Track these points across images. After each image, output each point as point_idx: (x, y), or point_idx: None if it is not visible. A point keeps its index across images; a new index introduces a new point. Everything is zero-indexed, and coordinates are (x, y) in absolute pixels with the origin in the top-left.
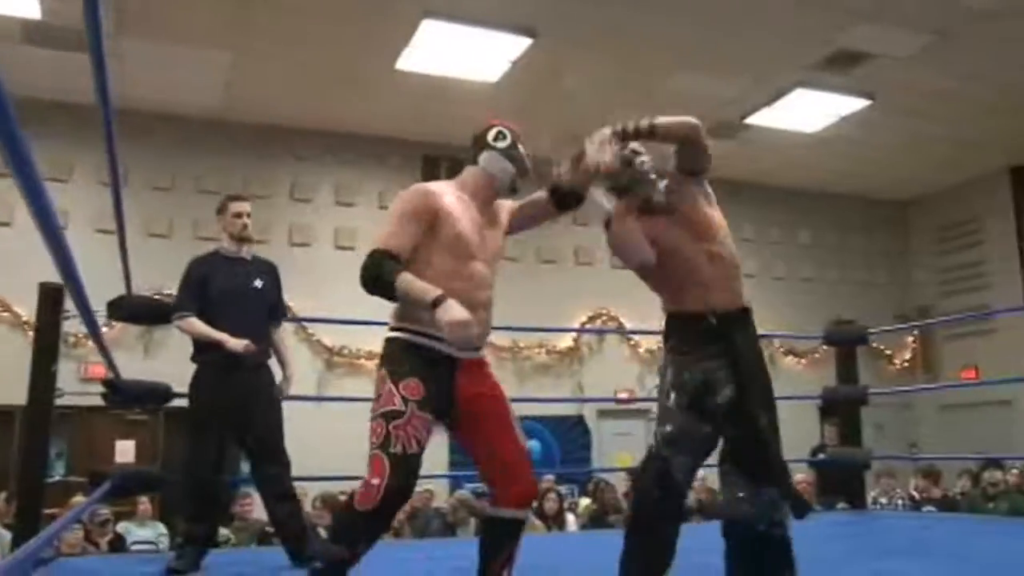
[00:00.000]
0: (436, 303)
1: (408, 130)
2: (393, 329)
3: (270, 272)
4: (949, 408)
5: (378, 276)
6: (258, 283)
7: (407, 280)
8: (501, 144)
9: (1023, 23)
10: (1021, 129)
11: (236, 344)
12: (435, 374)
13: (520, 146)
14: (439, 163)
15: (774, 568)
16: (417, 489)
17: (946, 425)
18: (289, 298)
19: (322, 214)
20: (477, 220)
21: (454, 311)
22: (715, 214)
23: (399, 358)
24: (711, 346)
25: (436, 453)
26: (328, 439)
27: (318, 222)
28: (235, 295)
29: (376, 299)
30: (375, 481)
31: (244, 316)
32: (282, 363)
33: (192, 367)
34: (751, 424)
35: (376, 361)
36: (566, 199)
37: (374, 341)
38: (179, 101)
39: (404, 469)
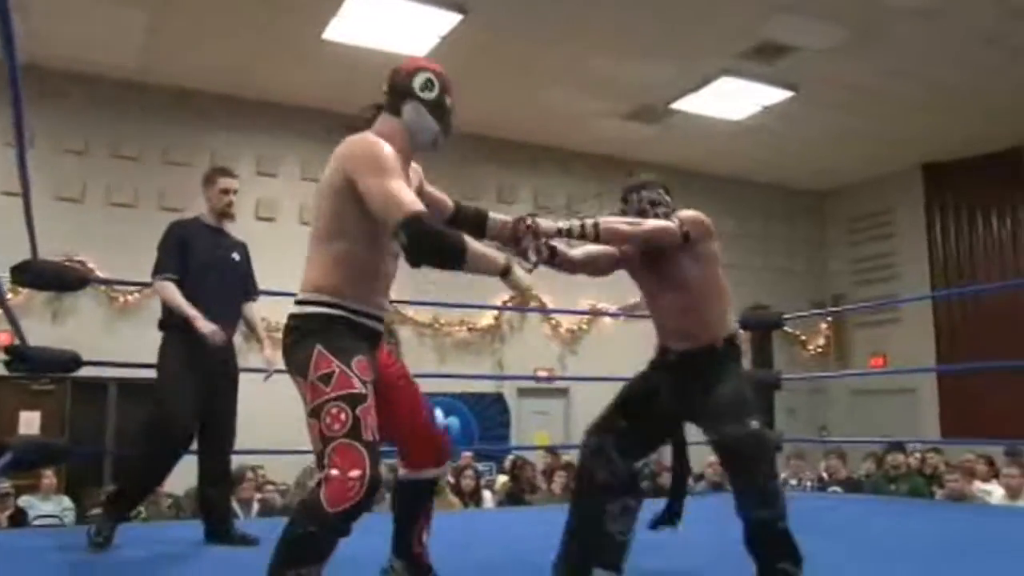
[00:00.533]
0: (507, 270)
1: (334, 101)
2: (322, 304)
3: (243, 249)
4: (858, 393)
5: (445, 245)
6: (236, 256)
7: (473, 243)
8: (428, 95)
9: (942, 22)
10: (935, 127)
11: (205, 327)
12: (370, 352)
13: (448, 97)
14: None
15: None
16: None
17: (855, 410)
18: None
19: (243, 184)
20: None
21: (520, 275)
22: (693, 269)
23: (339, 334)
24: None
25: None
26: (241, 416)
27: (239, 192)
28: (215, 266)
29: (297, 272)
30: (355, 473)
31: (223, 288)
32: (260, 341)
33: (153, 334)
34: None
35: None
36: (462, 227)
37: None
38: (93, 61)
39: (377, 460)
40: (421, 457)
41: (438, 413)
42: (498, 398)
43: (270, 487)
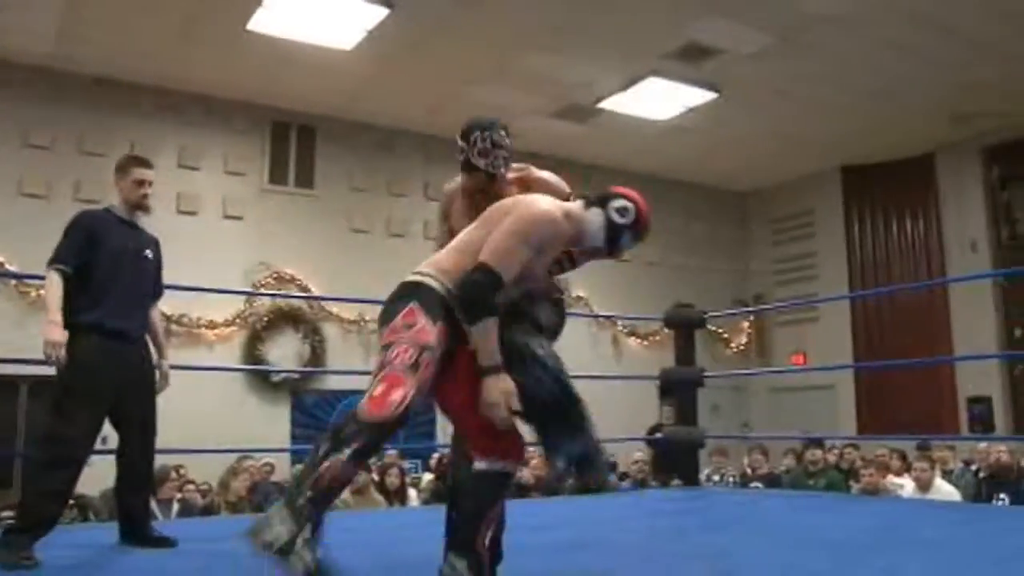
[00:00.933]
0: (490, 371)
1: (258, 94)
2: (437, 280)
3: (156, 245)
4: (779, 390)
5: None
6: (148, 253)
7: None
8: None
9: (857, 30)
10: (852, 131)
11: (49, 335)
12: (454, 336)
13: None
14: (289, 129)
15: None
16: (258, 463)
17: (776, 406)
18: None
19: (163, 176)
20: None
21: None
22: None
23: (436, 304)
24: None
25: (278, 427)
26: (162, 413)
27: (159, 185)
28: (127, 260)
29: (219, 268)
30: (396, 395)
31: (133, 283)
32: (158, 348)
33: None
34: None
35: (217, 329)
36: None
37: (215, 310)
38: (4, 45)
39: (410, 405)
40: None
41: None
42: None
43: (190, 487)
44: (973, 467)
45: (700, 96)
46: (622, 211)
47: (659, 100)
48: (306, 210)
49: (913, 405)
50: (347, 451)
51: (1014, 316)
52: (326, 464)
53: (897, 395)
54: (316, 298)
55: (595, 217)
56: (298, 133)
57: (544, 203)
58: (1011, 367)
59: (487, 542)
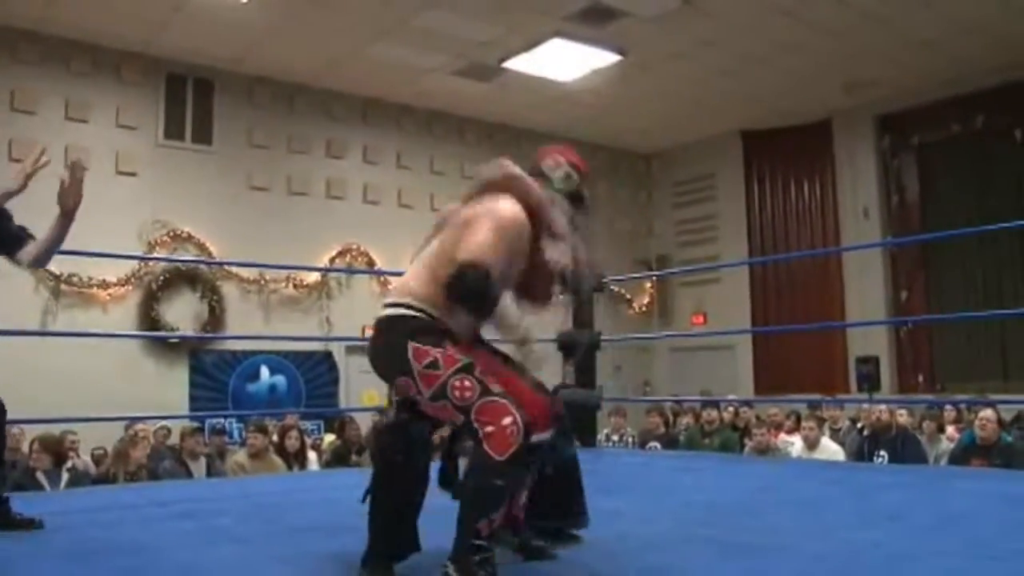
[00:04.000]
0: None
1: (151, 44)
2: (413, 308)
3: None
4: (680, 351)
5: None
6: None
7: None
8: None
9: None
10: (752, 96)
11: None
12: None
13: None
14: (184, 82)
15: None
16: (153, 426)
17: (677, 366)
18: None
19: (50, 129)
20: None
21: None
22: None
23: (430, 331)
24: None
25: (176, 388)
26: (52, 376)
27: (45, 138)
28: None
29: (113, 226)
30: (506, 420)
31: None
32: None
33: None
34: None
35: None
36: None
37: (108, 269)
38: None
39: (517, 404)
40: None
41: (264, 371)
42: (326, 356)
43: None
44: (859, 425)
45: (604, 58)
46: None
47: (563, 61)
48: (204, 167)
49: (807, 365)
50: (503, 501)
51: (901, 279)
52: (488, 522)
53: (792, 355)
54: (220, 263)
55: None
56: (195, 87)
57: (507, 203)
58: (897, 328)
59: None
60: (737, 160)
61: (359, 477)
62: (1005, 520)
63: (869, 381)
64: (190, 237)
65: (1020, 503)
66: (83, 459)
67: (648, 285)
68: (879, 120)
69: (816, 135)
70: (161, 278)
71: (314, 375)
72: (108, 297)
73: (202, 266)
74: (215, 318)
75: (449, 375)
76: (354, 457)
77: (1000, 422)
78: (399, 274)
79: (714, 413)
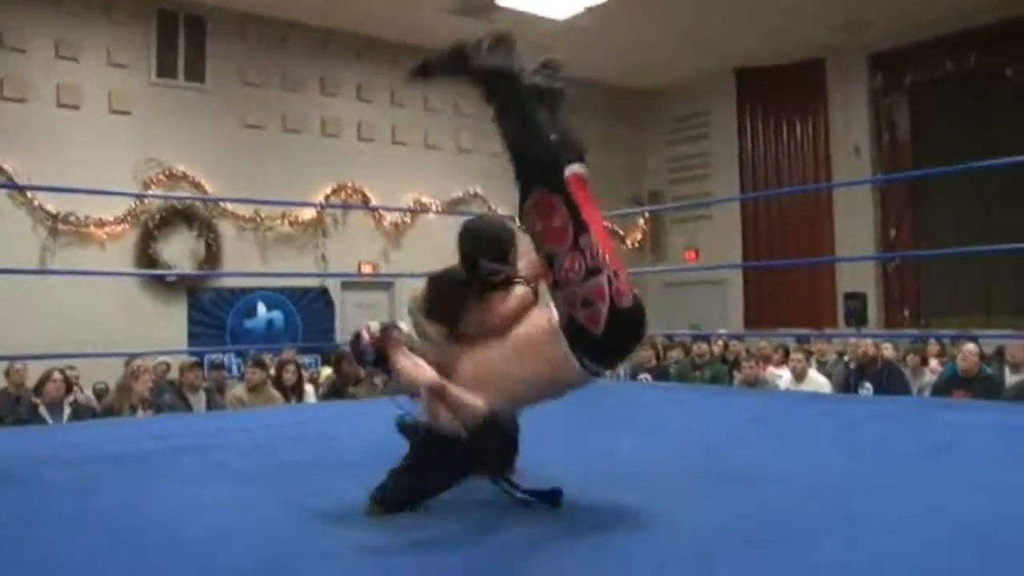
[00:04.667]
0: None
1: None
2: None
3: None
4: (673, 286)
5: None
6: None
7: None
8: None
9: None
10: (747, 33)
11: None
12: None
13: None
14: (176, 19)
15: None
16: (152, 361)
17: (669, 301)
18: (2, 158)
19: (41, 68)
20: None
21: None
22: None
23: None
24: None
25: (174, 326)
26: (51, 315)
27: (36, 76)
28: None
29: (107, 165)
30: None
31: None
32: None
33: None
34: None
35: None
36: None
37: (105, 208)
38: None
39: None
40: None
41: (261, 308)
42: (322, 292)
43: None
44: (845, 358)
45: None
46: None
47: None
48: (197, 105)
49: (796, 300)
50: None
51: (890, 217)
52: None
53: (782, 291)
54: (215, 200)
55: None
56: (186, 24)
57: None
58: (885, 265)
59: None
60: (730, 98)
61: (354, 408)
62: (987, 451)
63: (856, 316)
64: (185, 176)
65: (1000, 433)
66: (85, 394)
67: (641, 221)
68: (872, 58)
69: (809, 73)
70: (158, 216)
71: (311, 311)
72: (105, 236)
73: (198, 204)
74: (212, 256)
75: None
76: (350, 389)
77: (982, 355)
78: (395, 210)
79: (704, 346)
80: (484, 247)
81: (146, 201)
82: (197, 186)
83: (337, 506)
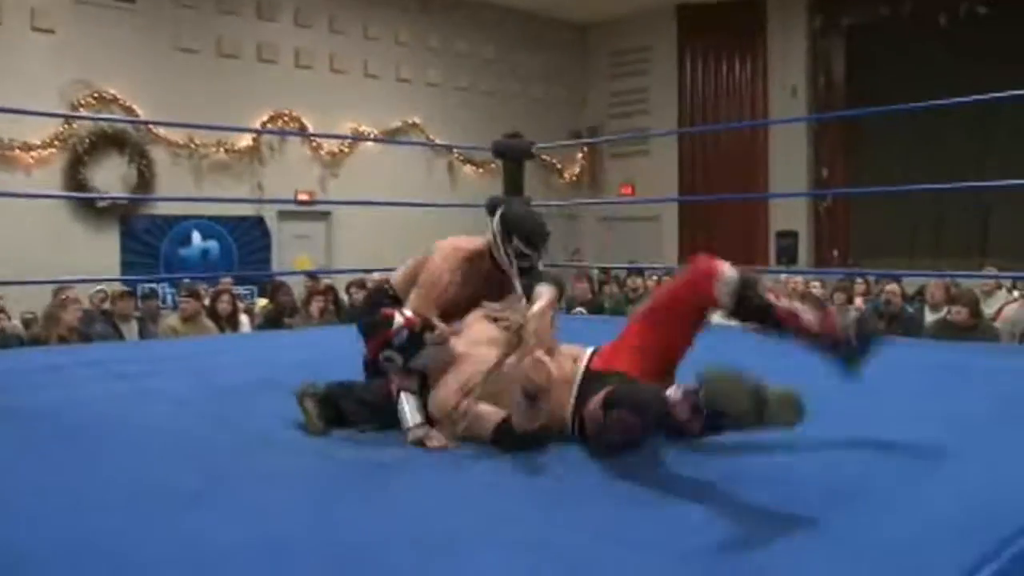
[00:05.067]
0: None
1: None
2: None
3: None
4: (609, 220)
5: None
6: None
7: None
8: None
9: None
10: None
11: None
12: None
13: None
14: None
15: None
16: (91, 289)
17: (605, 235)
18: None
19: None
20: None
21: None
22: None
23: None
24: None
25: (106, 254)
26: None
27: None
28: None
29: (31, 85)
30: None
31: None
32: None
33: None
34: None
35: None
36: None
37: (31, 130)
38: None
39: None
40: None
41: (196, 236)
42: (259, 222)
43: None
44: None
45: None
46: None
47: None
48: (127, 25)
49: (730, 237)
50: None
51: (823, 158)
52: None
53: (716, 228)
54: (145, 122)
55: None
56: None
57: None
58: (816, 204)
59: None
60: (671, 34)
61: (290, 338)
62: (907, 385)
63: (788, 254)
64: (115, 99)
65: (919, 369)
66: (13, 323)
67: (579, 155)
68: (811, 0)
69: (750, 13)
70: (87, 141)
71: (247, 240)
72: (32, 160)
73: (130, 129)
74: (145, 183)
75: None
76: (286, 320)
77: (903, 295)
78: (333, 138)
79: (639, 281)
80: (522, 231)
81: (75, 124)
82: (128, 110)
83: (272, 427)
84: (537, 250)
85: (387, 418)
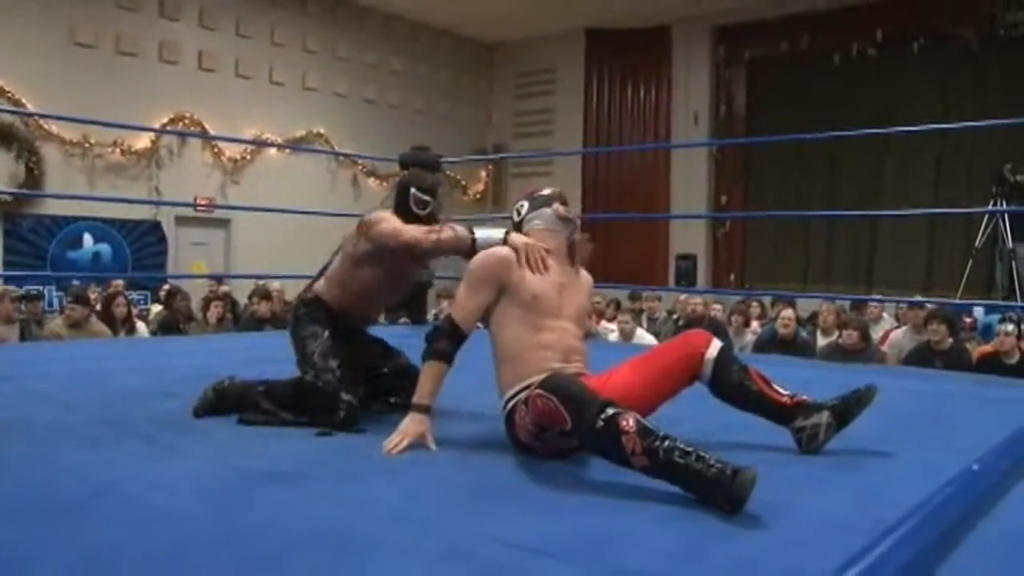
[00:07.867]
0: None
1: None
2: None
3: None
4: None
5: None
6: None
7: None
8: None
9: None
10: None
11: None
12: None
13: None
14: None
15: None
16: None
17: None
18: None
19: None
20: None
21: None
22: None
23: None
24: None
25: None
26: None
27: None
28: None
29: None
30: None
31: None
32: None
33: None
34: None
35: None
36: None
37: None
38: None
39: None
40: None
41: (87, 239)
42: (155, 227)
43: None
44: (674, 316)
45: None
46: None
47: None
48: (19, 15)
49: (631, 259)
50: None
51: (722, 185)
52: None
53: (618, 250)
54: (35, 115)
55: None
56: None
57: None
58: (714, 229)
59: None
60: (579, 57)
61: (188, 344)
62: None
63: (687, 277)
64: (3, 92)
65: (816, 389)
66: None
67: (483, 173)
68: (716, 31)
69: (656, 40)
70: None
71: (141, 245)
72: None
73: (18, 123)
74: (33, 181)
75: None
76: (182, 326)
77: (797, 320)
78: (235, 141)
79: None
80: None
81: None
82: (17, 104)
83: (168, 431)
84: (434, 197)
85: (296, 412)
